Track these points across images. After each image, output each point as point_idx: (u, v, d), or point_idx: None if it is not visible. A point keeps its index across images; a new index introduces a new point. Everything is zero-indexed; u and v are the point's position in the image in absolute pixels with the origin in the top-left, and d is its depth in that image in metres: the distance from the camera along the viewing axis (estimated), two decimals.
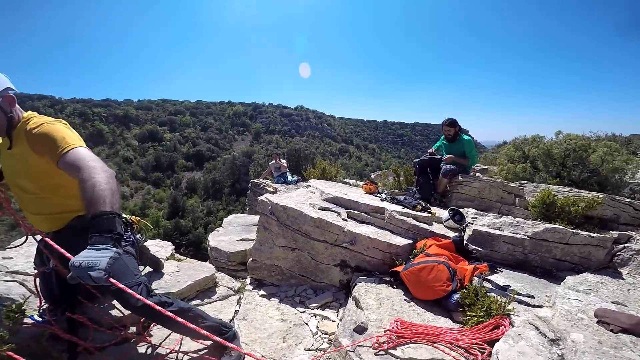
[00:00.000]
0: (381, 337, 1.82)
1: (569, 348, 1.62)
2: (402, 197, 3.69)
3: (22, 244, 1.99)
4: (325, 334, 2.27)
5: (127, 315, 2.01)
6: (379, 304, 2.19)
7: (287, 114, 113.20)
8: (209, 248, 3.81)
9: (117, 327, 1.91)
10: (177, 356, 1.87)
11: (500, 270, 2.67)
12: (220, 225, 4.79)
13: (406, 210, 3.30)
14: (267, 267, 3.04)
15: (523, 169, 5.53)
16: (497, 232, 2.94)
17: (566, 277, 2.48)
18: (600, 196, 3.54)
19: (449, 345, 1.77)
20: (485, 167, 7.99)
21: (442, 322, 2.03)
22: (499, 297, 2.07)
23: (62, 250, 1.33)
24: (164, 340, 2.00)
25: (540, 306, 2.14)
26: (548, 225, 2.91)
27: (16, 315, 1.44)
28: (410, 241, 2.85)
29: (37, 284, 1.72)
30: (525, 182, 4.60)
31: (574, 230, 2.88)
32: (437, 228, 3.14)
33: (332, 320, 2.43)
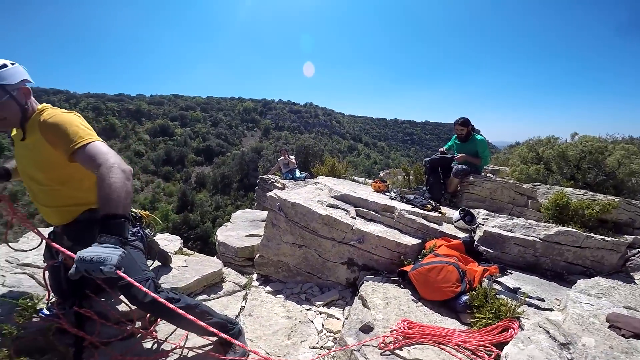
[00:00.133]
0: (387, 337, 1.81)
1: (579, 352, 1.59)
2: (411, 196, 3.66)
3: (38, 246, 1.97)
4: (330, 332, 2.27)
5: (133, 310, 2.01)
6: (386, 303, 2.18)
7: (297, 111, 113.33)
8: (216, 243, 3.83)
9: (124, 321, 1.91)
10: (182, 352, 1.87)
11: (511, 273, 2.63)
12: (228, 220, 4.82)
13: (416, 209, 3.27)
14: (274, 264, 3.05)
15: (536, 170, 5.43)
16: (509, 233, 2.90)
17: (577, 281, 2.44)
18: (616, 200, 3.46)
19: (456, 347, 1.75)
20: (497, 167, 7.87)
21: (449, 324, 2.00)
22: (508, 300, 2.04)
23: (63, 249, 1.37)
24: (170, 335, 2.01)
25: (550, 309, 2.11)
26: (561, 228, 2.86)
27: (28, 313, 1.45)
28: (420, 241, 2.82)
29: (46, 277, 1.73)
30: (539, 183, 4.52)
31: (587, 234, 2.83)
32: (447, 228, 3.11)
33: (338, 319, 2.42)
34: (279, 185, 8.17)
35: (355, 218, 3.04)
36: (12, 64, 1.50)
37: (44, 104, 1.66)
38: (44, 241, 1.70)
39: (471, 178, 4.17)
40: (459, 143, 4.59)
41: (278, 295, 2.77)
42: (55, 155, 1.54)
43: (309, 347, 2.11)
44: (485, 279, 2.32)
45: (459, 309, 2.10)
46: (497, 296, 2.10)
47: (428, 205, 3.37)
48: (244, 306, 2.58)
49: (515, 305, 1.94)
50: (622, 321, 1.75)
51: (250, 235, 3.85)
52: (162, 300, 1.36)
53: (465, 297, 2.09)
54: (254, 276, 3.17)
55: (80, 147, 1.46)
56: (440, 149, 4.77)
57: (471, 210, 3.35)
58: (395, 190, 4.14)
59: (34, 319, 1.71)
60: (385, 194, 3.96)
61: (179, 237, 3.47)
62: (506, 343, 1.72)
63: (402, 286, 2.41)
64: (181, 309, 1.61)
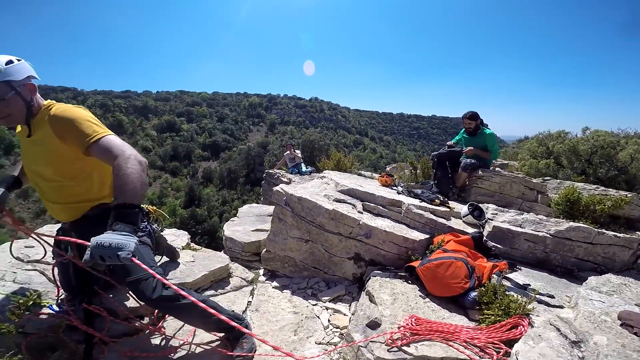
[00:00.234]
0: (395, 333, 1.79)
1: (590, 351, 1.56)
2: (419, 191, 3.62)
3: (43, 257, 1.92)
4: (337, 328, 2.26)
5: (142, 306, 2.02)
6: (394, 299, 2.16)
7: (302, 106, 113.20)
8: (223, 238, 3.84)
9: (132, 318, 1.92)
10: (190, 348, 1.88)
11: (520, 269, 2.60)
12: (235, 215, 4.83)
13: (423, 204, 3.23)
14: (281, 259, 3.05)
15: (546, 164, 5.34)
16: (518, 229, 2.86)
17: (588, 278, 2.40)
18: (629, 195, 3.39)
19: (464, 344, 1.73)
20: (506, 162, 7.76)
21: (457, 320, 1.98)
22: (518, 296, 2.01)
23: (75, 240, 1.37)
24: (177, 331, 2.02)
25: (560, 306, 2.07)
26: (572, 223, 2.81)
27: (21, 312, 1.45)
28: (427, 236, 2.80)
29: (55, 273, 1.73)
30: (549, 178, 4.45)
31: (599, 230, 2.77)
32: (455, 223, 3.07)
33: (344, 314, 2.41)
34: (285, 179, 8.18)
35: (362, 213, 3.02)
36: (18, 60, 1.50)
37: (50, 101, 1.66)
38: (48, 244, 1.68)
39: (480, 172, 4.11)
40: (467, 137, 4.52)
41: (285, 291, 2.77)
42: (65, 149, 1.55)
43: (316, 343, 2.11)
44: (495, 275, 2.29)
45: (468, 305, 2.08)
46: (507, 293, 2.08)
47: (436, 200, 3.33)
48: (250, 301, 2.59)
49: (525, 302, 1.91)
50: (634, 319, 1.71)
51: (257, 230, 3.86)
52: (183, 291, 1.36)
53: (474, 294, 2.07)
54: (261, 271, 3.17)
55: (96, 141, 1.48)
56: (448, 143, 4.71)
57: (480, 205, 3.31)
58: (402, 185, 4.10)
59: (43, 316, 1.71)
60: (392, 189, 3.93)
61: (186, 232, 3.48)
62: (515, 340, 1.70)
63: (409, 282, 2.39)
64: (188, 305, 1.61)
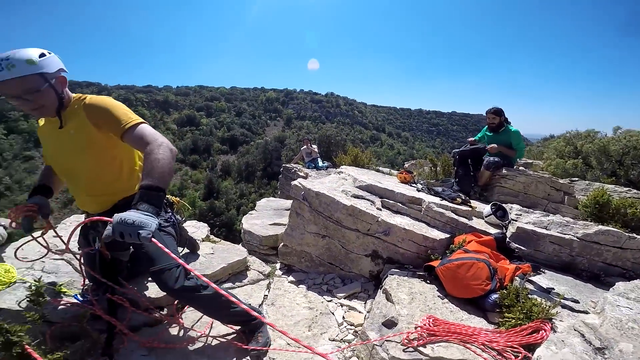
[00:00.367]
0: (412, 333, 1.77)
1: (615, 358, 1.52)
2: (439, 189, 3.56)
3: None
4: (351, 325, 2.25)
5: (162, 298, 2.06)
6: (411, 298, 2.14)
7: (318, 100, 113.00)
8: (242, 231, 3.89)
9: (152, 308, 1.95)
10: (206, 340, 1.90)
11: (544, 272, 2.52)
12: (252, 208, 4.89)
13: (444, 202, 3.17)
14: (297, 253, 3.07)
15: (574, 165, 5.13)
16: (544, 231, 2.76)
17: (616, 283, 2.30)
18: None
19: (482, 347, 1.70)
20: (530, 161, 7.50)
21: (476, 322, 1.95)
22: (542, 300, 1.96)
23: (99, 217, 1.40)
24: (195, 323, 2.05)
25: (585, 312, 2.00)
26: (601, 227, 2.69)
27: (41, 299, 1.46)
28: (448, 235, 2.75)
29: (81, 263, 1.76)
30: (576, 179, 4.27)
31: (629, 234, 2.65)
32: (477, 223, 3.00)
33: (359, 312, 2.40)
34: (301, 174, 8.21)
35: (380, 209, 2.99)
36: (49, 54, 1.54)
37: (79, 94, 1.71)
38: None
39: (504, 171, 3.99)
40: (491, 134, 4.39)
41: (300, 286, 2.78)
42: (99, 137, 1.61)
43: (329, 339, 2.10)
44: (517, 278, 2.23)
45: (488, 307, 2.04)
46: (529, 296, 2.02)
47: (457, 199, 3.26)
48: (267, 295, 2.61)
49: (549, 307, 1.86)
50: None
51: (275, 224, 3.89)
52: (212, 283, 1.38)
53: (495, 296, 2.03)
54: (278, 265, 3.20)
55: (131, 127, 1.54)
56: (469, 139, 4.59)
57: (503, 205, 3.23)
58: (422, 182, 4.04)
59: (69, 305, 1.74)
60: (412, 186, 3.88)
61: (206, 225, 3.52)
62: (537, 345, 1.66)
63: (428, 281, 2.36)
64: (209, 296, 1.66)
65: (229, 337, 1.93)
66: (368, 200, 3.15)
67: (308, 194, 3.02)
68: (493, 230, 2.89)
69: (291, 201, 3.23)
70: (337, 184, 3.53)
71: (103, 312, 1.69)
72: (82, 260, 1.76)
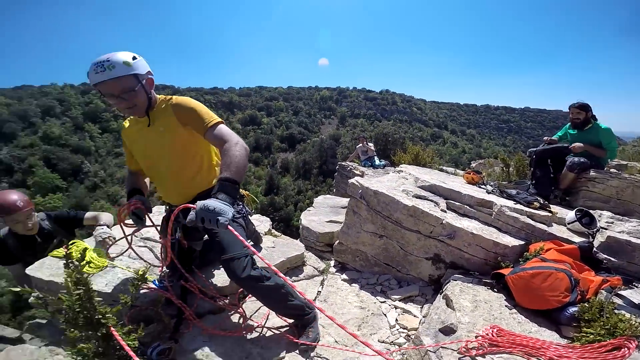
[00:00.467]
0: (471, 342, 1.63)
1: None
2: (513, 191, 3.22)
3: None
4: (404, 329, 2.16)
5: (227, 286, 2.17)
6: (474, 306, 1.97)
7: (372, 98, 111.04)
8: (300, 226, 3.96)
9: (218, 297, 2.06)
10: (262, 331, 1.98)
11: (637, 286, 2.15)
12: (309, 205, 4.97)
13: (519, 206, 2.85)
14: (352, 252, 3.02)
15: None
16: None
17: None
18: None
19: None
20: (624, 162, 6.41)
21: (547, 336, 1.72)
22: (631, 316, 1.66)
23: (190, 205, 1.49)
24: (254, 313, 2.14)
25: None
26: None
27: (139, 283, 1.58)
28: (522, 242, 2.47)
29: (161, 251, 1.92)
30: None
31: None
32: (557, 230, 2.65)
33: (414, 316, 2.29)
34: (357, 172, 8.13)
35: (445, 211, 2.80)
36: (139, 57, 1.67)
37: (162, 95, 1.86)
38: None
39: (592, 173, 3.46)
40: (575, 132, 3.83)
41: (353, 284, 2.74)
42: (185, 134, 1.77)
43: (379, 341, 2.05)
44: (604, 291, 1.93)
45: (564, 321, 1.78)
46: (616, 311, 1.73)
47: (535, 203, 2.90)
48: (320, 291, 2.62)
49: (639, 323, 1.57)
50: None
51: (331, 221, 3.90)
52: (281, 274, 1.47)
53: (573, 309, 1.76)
54: (332, 262, 3.20)
55: (213, 125, 1.68)
56: (546, 138, 4.07)
57: (590, 211, 2.80)
58: (492, 184, 3.70)
59: (148, 290, 1.88)
60: (481, 187, 3.57)
61: (268, 219, 3.64)
62: None
63: (495, 290, 2.16)
64: (271, 287, 1.72)
65: (282, 330, 1.99)
66: (431, 201, 2.98)
67: (366, 193, 2.97)
68: (577, 239, 2.53)
69: (347, 199, 3.19)
70: (396, 183, 3.41)
71: (176, 297, 1.83)
72: (163, 248, 1.92)
